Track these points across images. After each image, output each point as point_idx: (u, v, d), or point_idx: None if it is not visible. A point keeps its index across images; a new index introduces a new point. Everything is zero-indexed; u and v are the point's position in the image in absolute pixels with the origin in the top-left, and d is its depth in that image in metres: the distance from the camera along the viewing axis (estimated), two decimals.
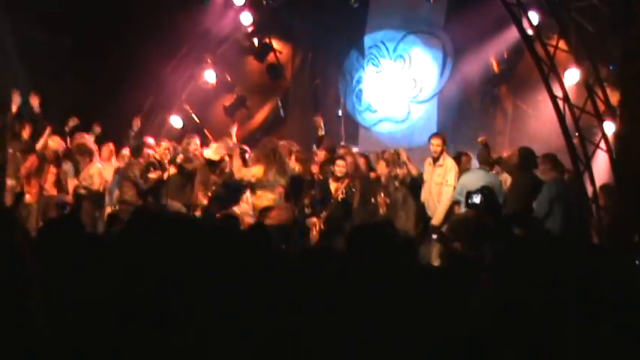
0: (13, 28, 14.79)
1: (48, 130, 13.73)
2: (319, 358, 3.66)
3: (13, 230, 6.25)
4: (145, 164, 13.20)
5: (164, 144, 13.67)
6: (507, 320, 3.20)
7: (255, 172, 11.99)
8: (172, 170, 13.13)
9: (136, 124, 16.16)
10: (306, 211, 12.33)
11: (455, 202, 11.75)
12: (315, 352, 3.67)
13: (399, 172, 12.67)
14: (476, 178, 11.58)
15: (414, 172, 12.63)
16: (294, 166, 12.68)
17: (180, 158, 13.24)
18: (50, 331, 3.01)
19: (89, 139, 14.30)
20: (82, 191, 13.61)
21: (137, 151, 13.60)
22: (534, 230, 10.35)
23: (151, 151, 13.68)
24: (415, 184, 12.54)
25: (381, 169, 13.23)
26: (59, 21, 15.00)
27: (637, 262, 7.76)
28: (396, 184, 12.49)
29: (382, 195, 12.28)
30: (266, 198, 11.91)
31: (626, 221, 10.67)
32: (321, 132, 13.83)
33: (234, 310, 3.72)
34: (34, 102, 14.05)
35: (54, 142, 13.71)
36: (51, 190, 13.60)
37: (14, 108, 13.82)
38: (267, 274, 4.48)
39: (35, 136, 13.88)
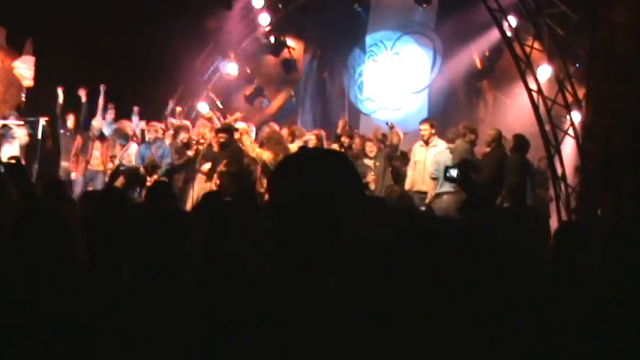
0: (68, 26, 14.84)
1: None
2: None
3: (62, 200, 6.33)
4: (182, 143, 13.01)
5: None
6: None
7: (266, 156, 11.37)
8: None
9: (171, 104, 16.32)
10: None
11: (431, 179, 11.77)
12: None
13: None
14: (446, 155, 11.63)
15: (395, 140, 12.64)
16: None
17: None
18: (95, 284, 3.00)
19: (128, 124, 14.19)
20: (122, 168, 13.62)
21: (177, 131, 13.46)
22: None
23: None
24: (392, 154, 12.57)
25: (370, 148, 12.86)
26: (106, 21, 15.06)
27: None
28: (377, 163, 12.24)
29: (371, 174, 12.09)
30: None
31: (589, 198, 10.77)
32: (339, 131, 13.57)
33: None
34: (82, 93, 14.01)
35: (97, 122, 13.73)
36: (96, 165, 13.60)
37: (60, 100, 13.82)
38: None
39: (79, 124, 13.91)
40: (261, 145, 11.92)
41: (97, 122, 13.76)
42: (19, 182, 5.42)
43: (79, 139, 13.68)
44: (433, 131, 12.21)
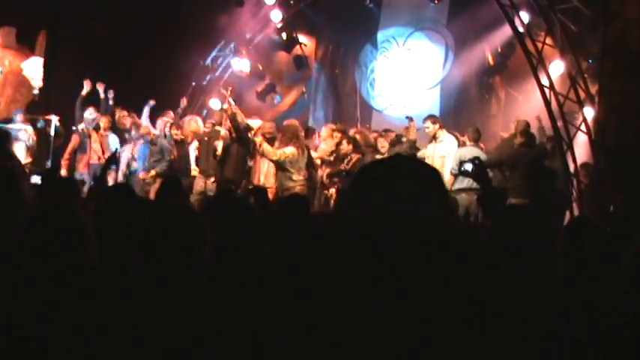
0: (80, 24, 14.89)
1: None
2: None
3: (76, 197, 6.38)
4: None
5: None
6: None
7: (289, 152, 11.44)
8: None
9: (183, 102, 16.29)
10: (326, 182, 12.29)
11: (451, 174, 11.76)
12: None
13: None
14: (469, 152, 11.62)
15: (412, 136, 12.57)
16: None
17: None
18: (106, 281, 3.04)
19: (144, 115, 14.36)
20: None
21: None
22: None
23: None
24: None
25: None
26: (118, 18, 15.09)
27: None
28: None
29: None
30: (296, 179, 11.59)
31: (602, 193, 10.74)
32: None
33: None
34: (100, 87, 14.09)
35: (91, 115, 13.59)
36: (97, 159, 13.46)
37: (84, 93, 13.87)
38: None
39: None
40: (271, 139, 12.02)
41: (90, 115, 13.68)
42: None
43: (76, 138, 13.61)
44: (437, 127, 12.29)
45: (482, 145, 12.63)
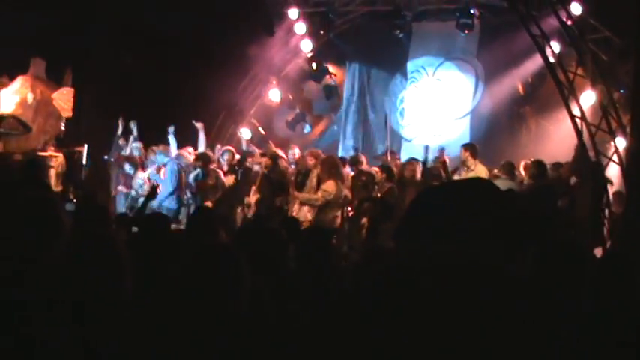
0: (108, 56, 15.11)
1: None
2: None
3: (109, 225, 6.44)
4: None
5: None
6: None
7: (330, 189, 11.33)
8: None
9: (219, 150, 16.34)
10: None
11: None
12: None
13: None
14: (502, 184, 11.58)
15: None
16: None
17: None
18: (140, 308, 3.07)
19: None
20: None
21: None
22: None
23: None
24: None
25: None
26: (146, 50, 15.26)
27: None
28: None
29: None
30: (333, 216, 11.59)
31: (635, 225, 10.64)
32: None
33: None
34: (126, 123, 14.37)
35: (139, 145, 13.95)
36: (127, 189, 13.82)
37: (120, 130, 14.22)
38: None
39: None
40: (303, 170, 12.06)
41: (138, 145, 13.97)
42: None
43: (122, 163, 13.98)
44: (467, 154, 12.25)
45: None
